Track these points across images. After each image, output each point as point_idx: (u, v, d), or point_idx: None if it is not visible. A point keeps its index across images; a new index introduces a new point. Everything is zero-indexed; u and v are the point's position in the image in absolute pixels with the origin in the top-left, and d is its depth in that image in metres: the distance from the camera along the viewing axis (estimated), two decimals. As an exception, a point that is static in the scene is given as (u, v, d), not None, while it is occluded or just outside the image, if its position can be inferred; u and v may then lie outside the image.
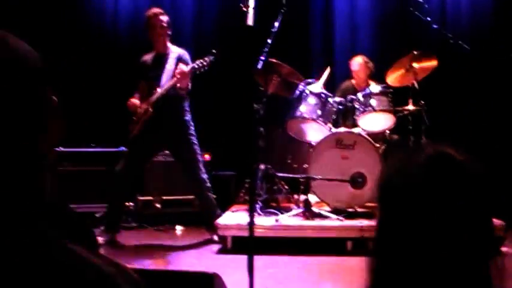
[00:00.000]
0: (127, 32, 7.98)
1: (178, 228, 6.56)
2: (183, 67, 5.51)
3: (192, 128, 5.77)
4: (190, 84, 5.60)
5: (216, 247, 5.60)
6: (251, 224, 3.49)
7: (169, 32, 5.79)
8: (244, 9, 3.15)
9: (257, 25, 3.33)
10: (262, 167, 6.14)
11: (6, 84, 0.96)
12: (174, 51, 5.73)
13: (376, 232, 1.21)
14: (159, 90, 5.66)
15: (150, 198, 6.78)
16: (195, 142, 5.75)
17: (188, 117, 5.78)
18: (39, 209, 0.98)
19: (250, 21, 3.20)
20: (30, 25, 7.08)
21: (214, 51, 5.60)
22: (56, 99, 1.07)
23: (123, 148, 6.43)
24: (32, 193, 1.00)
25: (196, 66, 5.46)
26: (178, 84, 5.52)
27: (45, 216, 0.97)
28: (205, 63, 5.47)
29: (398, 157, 1.20)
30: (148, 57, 5.87)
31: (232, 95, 7.21)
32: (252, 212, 3.40)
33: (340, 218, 5.56)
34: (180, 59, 5.66)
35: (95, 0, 7.99)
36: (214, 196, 5.90)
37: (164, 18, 5.75)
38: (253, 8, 3.19)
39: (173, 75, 5.58)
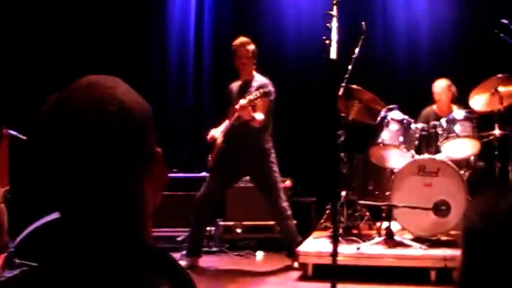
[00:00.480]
0: (209, 58, 8.16)
1: (259, 254, 6.58)
2: (241, 100, 5.55)
3: (273, 155, 5.80)
4: (260, 116, 5.60)
5: (296, 274, 5.58)
6: (334, 253, 3.47)
7: (254, 61, 5.86)
8: (327, 42, 3.16)
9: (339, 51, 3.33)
10: (343, 193, 6.10)
11: (112, 136, 1.00)
12: (258, 80, 5.79)
13: (459, 273, 1.20)
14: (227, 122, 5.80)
15: (231, 223, 6.84)
16: (276, 170, 5.77)
17: (269, 145, 5.80)
18: (144, 257, 1.00)
19: (333, 54, 3.19)
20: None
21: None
22: (160, 149, 1.09)
23: (204, 173, 6.53)
24: (137, 240, 1.03)
25: (252, 98, 5.50)
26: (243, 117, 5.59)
27: (150, 264, 1.00)
28: (259, 95, 5.48)
29: (483, 200, 1.18)
30: (235, 84, 5.97)
31: (313, 120, 7.22)
32: (336, 241, 3.37)
33: (423, 246, 5.42)
34: (260, 89, 5.69)
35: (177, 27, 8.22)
36: (295, 222, 5.90)
37: (250, 47, 5.81)
38: (336, 41, 3.19)
39: None
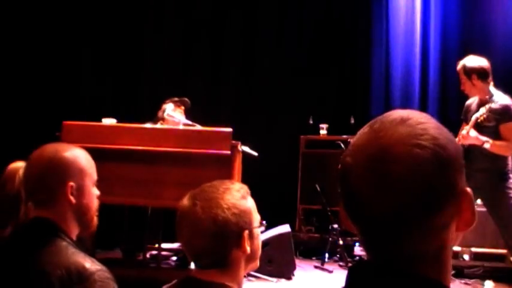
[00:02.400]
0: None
1: (488, 284, 6.11)
2: (463, 131, 5.27)
3: (511, 180, 5.37)
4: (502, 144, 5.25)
5: (533, 311, 5.08)
6: None
7: (482, 80, 5.38)
8: None
9: None
10: None
11: (426, 172, 0.99)
12: (496, 99, 5.34)
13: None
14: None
15: (458, 249, 6.45)
16: (512, 196, 5.35)
17: (507, 168, 5.39)
18: None
19: None
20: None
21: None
22: (470, 190, 1.07)
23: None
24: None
25: (473, 119, 5.21)
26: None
27: None
28: (485, 116, 5.18)
29: None
30: (473, 102, 5.59)
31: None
32: None
33: None
34: (494, 110, 5.28)
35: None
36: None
37: (468, 68, 5.39)
38: None
39: None
